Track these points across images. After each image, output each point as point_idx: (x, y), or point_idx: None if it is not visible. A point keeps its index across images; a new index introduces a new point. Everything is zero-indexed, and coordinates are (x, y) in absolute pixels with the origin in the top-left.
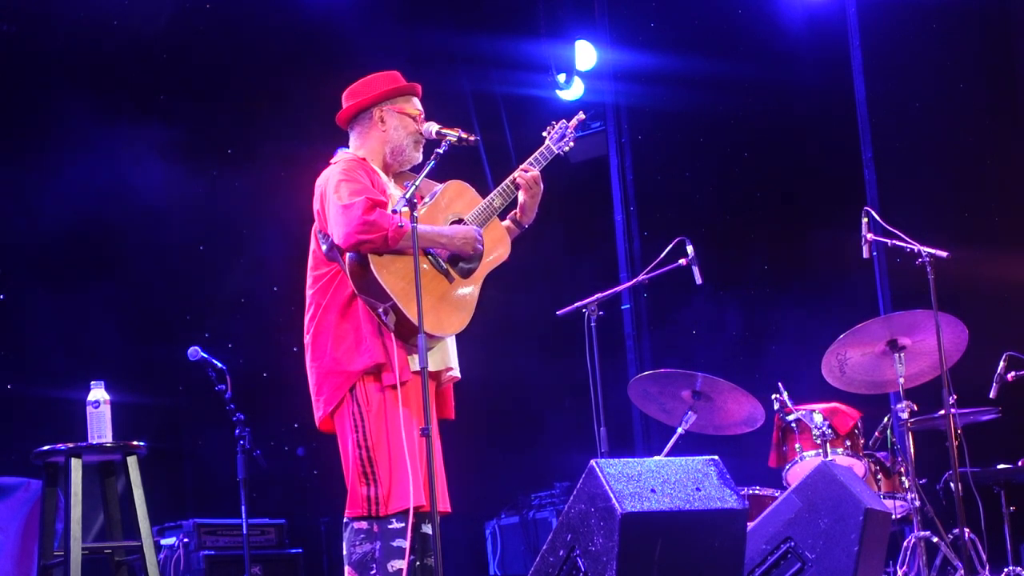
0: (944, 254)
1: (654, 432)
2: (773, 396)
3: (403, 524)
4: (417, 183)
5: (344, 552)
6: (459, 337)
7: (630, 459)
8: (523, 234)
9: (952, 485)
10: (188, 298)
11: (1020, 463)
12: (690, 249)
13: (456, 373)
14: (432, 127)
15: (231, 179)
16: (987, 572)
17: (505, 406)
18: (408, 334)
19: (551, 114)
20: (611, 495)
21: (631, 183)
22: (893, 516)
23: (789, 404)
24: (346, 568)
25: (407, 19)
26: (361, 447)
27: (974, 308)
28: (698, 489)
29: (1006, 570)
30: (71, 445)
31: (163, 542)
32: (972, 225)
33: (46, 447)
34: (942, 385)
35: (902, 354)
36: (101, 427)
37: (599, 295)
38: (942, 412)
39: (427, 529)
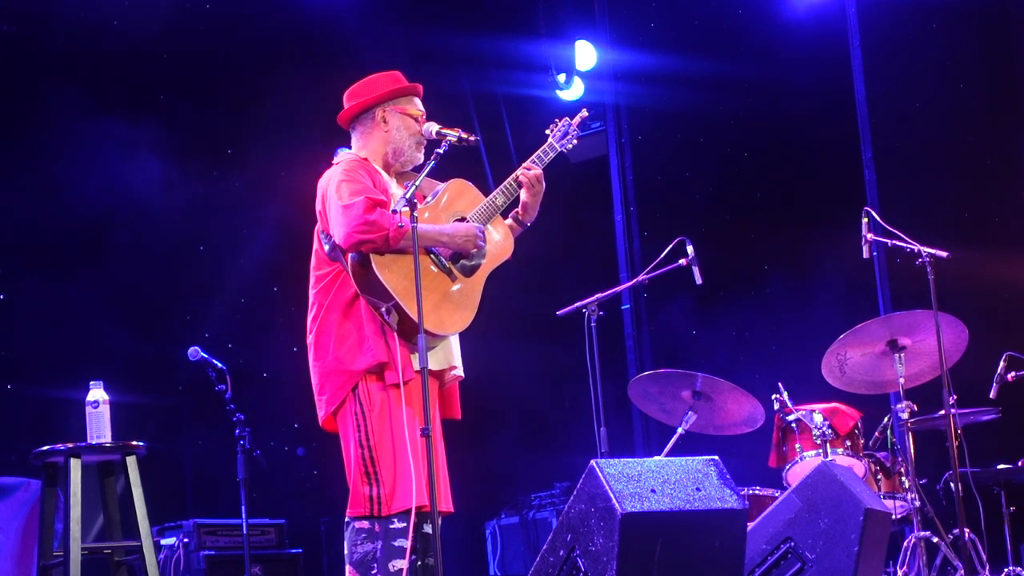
0: (944, 254)
1: (654, 432)
2: (773, 396)
3: (404, 524)
4: (417, 183)
5: (345, 552)
6: (460, 336)
7: (630, 459)
8: (524, 234)
9: (952, 485)
10: (188, 298)
11: (1020, 463)
12: (690, 249)
13: (459, 372)
14: (432, 127)
15: (231, 179)
16: (987, 572)
17: (505, 406)
18: (411, 333)
19: (551, 114)
20: (611, 495)
21: (631, 183)
22: (893, 516)
23: (789, 404)
24: (347, 568)
25: (407, 19)
26: (363, 447)
27: (974, 308)
28: (698, 489)
29: (1006, 570)
30: (70, 445)
31: (163, 542)
32: (972, 225)
33: (45, 447)
34: (942, 385)
35: (902, 354)
36: (100, 427)
37: (599, 295)
38: (942, 412)
39: (428, 529)
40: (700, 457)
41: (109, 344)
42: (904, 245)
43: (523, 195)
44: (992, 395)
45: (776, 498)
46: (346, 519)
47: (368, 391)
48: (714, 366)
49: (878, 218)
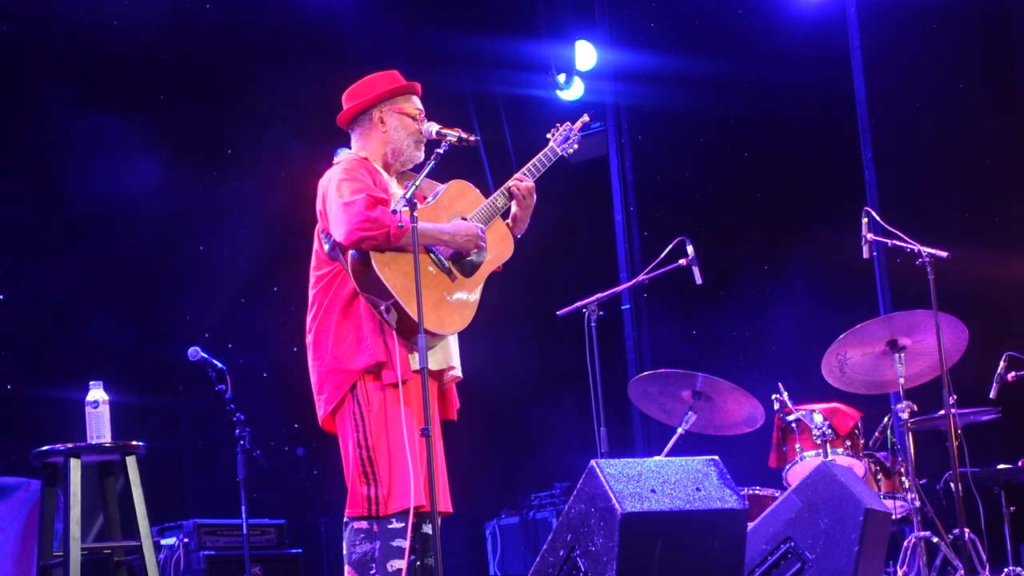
0: (944, 254)
1: (654, 432)
2: (773, 396)
3: (403, 524)
4: (417, 183)
5: (344, 552)
6: (460, 336)
7: (630, 459)
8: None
9: (952, 485)
10: (188, 298)
11: (1020, 463)
12: (690, 249)
13: (458, 372)
14: (432, 127)
15: (231, 179)
16: (987, 572)
17: (505, 406)
18: (410, 332)
19: (551, 114)
20: (611, 495)
21: (631, 183)
22: (893, 516)
23: (789, 404)
24: (346, 568)
25: (407, 19)
26: (361, 446)
27: (974, 308)
28: (698, 489)
29: (1006, 570)
30: (70, 445)
31: (163, 542)
32: (972, 225)
33: (45, 447)
34: (942, 385)
35: (902, 354)
36: (100, 427)
37: (599, 295)
38: (942, 412)
39: (427, 529)
40: (700, 457)
41: (109, 344)
42: (904, 245)
43: (513, 208)
44: (992, 395)
45: (776, 498)
46: (345, 519)
47: (366, 391)
48: (714, 366)
49: (878, 218)
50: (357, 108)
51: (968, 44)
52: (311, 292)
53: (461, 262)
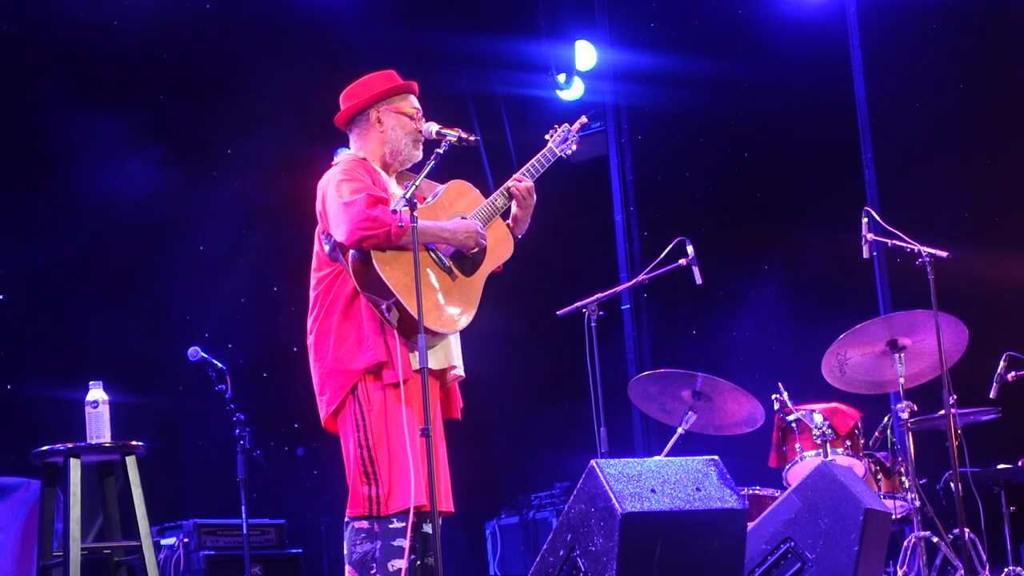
0: (944, 254)
1: (654, 432)
2: (773, 396)
3: (404, 524)
4: (417, 183)
5: (344, 551)
6: (460, 336)
7: (630, 459)
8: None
9: (952, 485)
10: (188, 298)
11: (1020, 463)
12: (690, 249)
13: (460, 372)
14: (432, 127)
15: (231, 179)
16: (987, 572)
17: (505, 406)
18: (411, 331)
19: (551, 114)
20: (611, 495)
21: (631, 183)
22: (893, 516)
23: (789, 404)
24: (346, 567)
25: (407, 19)
26: (362, 446)
27: (974, 308)
28: (698, 489)
29: (1006, 570)
30: (70, 445)
31: (163, 542)
32: (972, 225)
33: (45, 447)
34: (942, 385)
35: (902, 354)
36: (100, 427)
37: (599, 295)
38: (942, 412)
39: (427, 529)
40: (700, 457)
41: (109, 344)
42: (904, 245)
43: (513, 208)
44: (992, 395)
45: (776, 498)
46: (346, 519)
47: (367, 391)
48: (714, 366)
49: (878, 218)
50: (354, 108)
51: (968, 44)
52: (312, 294)
53: (462, 261)
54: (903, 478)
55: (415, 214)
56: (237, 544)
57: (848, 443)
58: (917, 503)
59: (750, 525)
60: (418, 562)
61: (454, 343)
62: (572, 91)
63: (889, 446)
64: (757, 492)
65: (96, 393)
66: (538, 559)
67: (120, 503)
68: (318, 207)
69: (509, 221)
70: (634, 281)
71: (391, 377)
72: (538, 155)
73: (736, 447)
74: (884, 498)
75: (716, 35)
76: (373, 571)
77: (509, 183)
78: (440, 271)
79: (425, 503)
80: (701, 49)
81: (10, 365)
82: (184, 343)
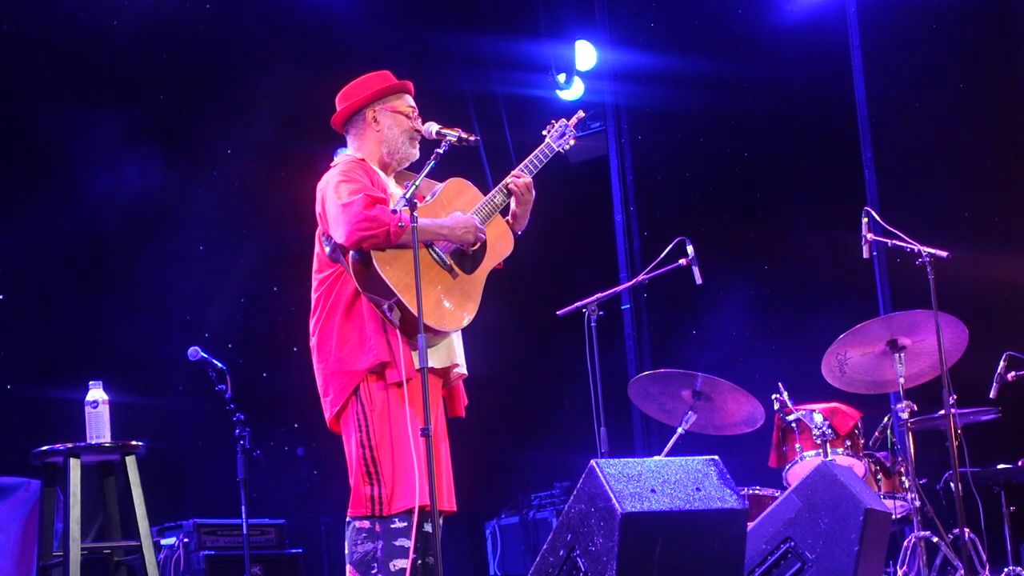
0: (944, 254)
1: (654, 432)
2: (773, 396)
3: (406, 524)
4: (417, 183)
5: (346, 551)
6: (462, 335)
7: (630, 459)
8: (523, 233)
9: (952, 485)
10: (188, 298)
11: (1020, 463)
12: (690, 249)
13: (463, 370)
14: (432, 127)
15: (231, 179)
16: (987, 572)
17: (505, 406)
18: (413, 330)
19: (551, 114)
20: (611, 495)
21: (631, 183)
22: (893, 516)
23: (789, 404)
24: (347, 567)
25: (407, 19)
26: (364, 446)
27: (974, 308)
28: (698, 489)
29: (1006, 570)
30: (70, 445)
31: (163, 542)
32: (972, 225)
33: (45, 447)
34: (942, 385)
35: (902, 354)
36: (99, 427)
37: (599, 295)
38: (942, 412)
39: (428, 528)
40: (700, 457)
41: (109, 344)
42: (904, 245)
43: (512, 204)
44: (992, 395)
45: (776, 498)
46: (347, 519)
47: (370, 391)
48: (714, 366)
49: (878, 218)
50: (350, 108)
51: (968, 44)
52: (313, 295)
53: (462, 259)
54: (903, 478)
55: (415, 214)
56: (237, 544)
57: (848, 443)
58: (917, 503)
59: (750, 525)
60: (419, 562)
61: (456, 341)
62: (572, 91)
63: (889, 446)
64: (757, 492)
65: (96, 393)
66: (538, 559)
67: (120, 503)
68: (317, 209)
69: (508, 218)
70: (634, 281)
71: (394, 377)
72: (536, 151)
73: (736, 447)
74: (884, 498)
75: (716, 35)
76: (374, 571)
77: (508, 180)
78: (441, 269)
79: (428, 503)
80: (701, 49)
81: (10, 365)
82: (184, 343)
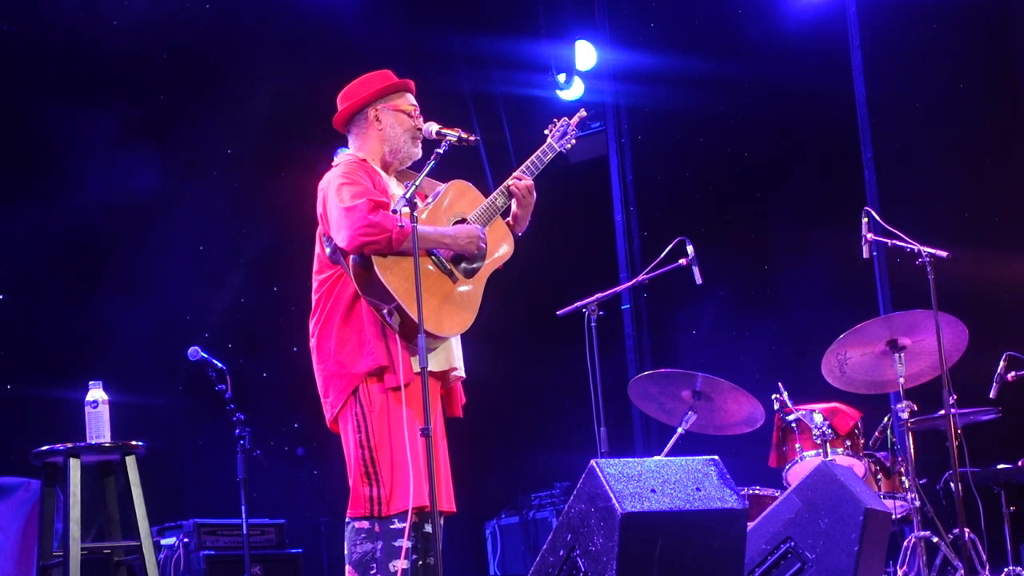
0: (944, 254)
1: (654, 432)
2: (773, 396)
3: (405, 524)
4: (417, 183)
5: (345, 552)
6: (461, 337)
7: (630, 459)
8: (523, 233)
9: (952, 485)
10: (188, 298)
11: (1020, 463)
12: (690, 249)
13: (461, 373)
14: (432, 127)
15: (231, 179)
16: (987, 572)
17: (505, 406)
18: (413, 334)
19: (551, 114)
20: (611, 495)
21: (631, 183)
22: (893, 516)
23: (789, 404)
24: (346, 568)
25: (407, 19)
26: (363, 447)
27: (974, 308)
28: (698, 489)
29: (1006, 570)
30: (70, 445)
31: (163, 542)
32: (972, 225)
33: (45, 447)
34: (942, 385)
35: (902, 354)
36: (99, 427)
37: (599, 295)
38: (942, 412)
39: (428, 529)
40: (700, 457)
41: (109, 344)
42: (904, 245)
43: (513, 206)
44: (992, 395)
45: (776, 498)
46: (346, 519)
47: (368, 393)
48: (714, 366)
49: (878, 218)
50: (352, 108)
51: (968, 44)
52: (314, 296)
53: (462, 264)
54: (903, 478)
55: (415, 214)
56: (237, 544)
57: (848, 443)
58: (917, 503)
59: (750, 525)
60: (419, 562)
61: (455, 345)
62: (572, 91)
63: (889, 446)
64: (757, 492)
65: (96, 393)
66: (538, 559)
67: (120, 503)
68: (318, 209)
69: (509, 219)
70: (634, 281)
71: (392, 381)
72: (537, 151)
73: (736, 447)
74: (884, 498)
75: (716, 35)
76: (373, 571)
77: (509, 181)
78: (441, 274)
79: (426, 503)
80: (701, 49)
81: (10, 365)
82: (184, 343)
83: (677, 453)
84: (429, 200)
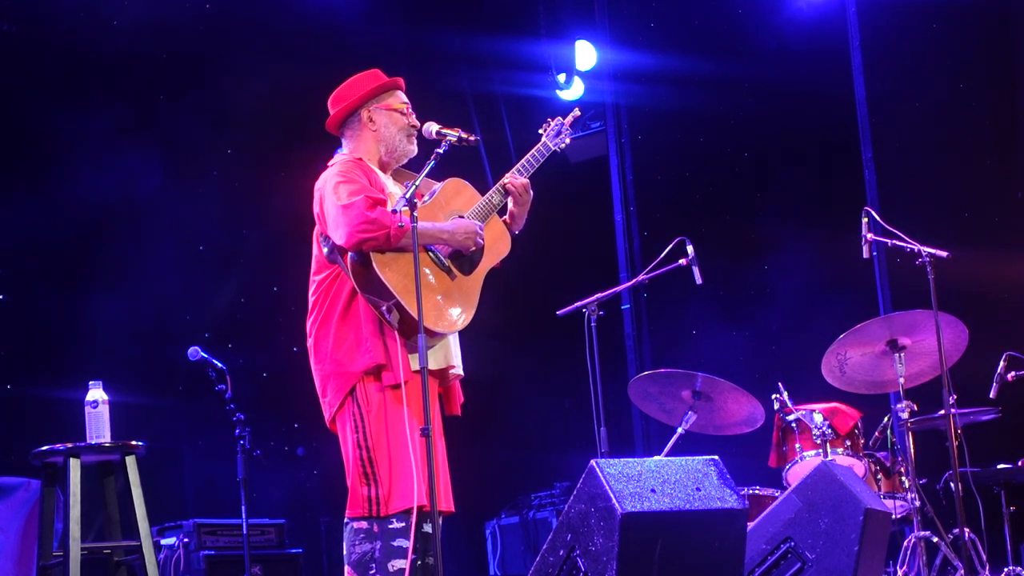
0: (944, 254)
1: (654, 432)
2: (773, 396)
3: (404, 524)
4: (417, 183)
5: (344, 552)
6: (460, 335)
7: (630, 459)
8: (523, 234)
9: (952, 485)
10: (188, 298)
11: (1020, 463)
12: (690, 249)
13: (459, 371)
14: (432, 127)
15: (231, 179)
16: (987, 572)
17: (505, 406)
18: (412, 332)
19: (551, 114)
20: (611, 495)
21: (631, 183)
22: (893, 516)
23: (789, 404)
24: (346, 568)
25: (407, 19)
26: (361, 447)
27: (974, 308)
28: (698, 489)
29: (1006, 570)
30: (70, 445)
31: (163, 542)
32: (972, 225)
33: (45, 447)
34: (942, 385)
35: (902, 354)
36: (99, 427)
37: (599, 295)
38: (942, 412)
39: (427, 528)
40: (700, 457)
41: (109, 344)
42: (904, 245)
43: (510, 204)
44: (992, 395)
45: (776, 498)
46: (345, 519)
47: (366, 392)
48: (714, 366)
49: (878, 218)
50: (345, 110)
51: (968, 44)
52: (311, 297)
53: (460, 260)
54: (903, 478)
55: (415, 214)
56: (237, 544)
57: (848, 443)
58: (917, 503)
59: (750, 525)
60: (418, 562)
61: (453, 343)
62: (572, 91)
63: (889, 446)
64: (757, 492)
65: (96, 393)
66: (538, 559)
67: (120, 503)
68: (315, 209)
69: (506, 217)
70: (634, 281)
71: (390, 379)
72: (532, 150)
73: (736, 447)
74: (884, 498)
75: (716, 35)
76: (372, 571)
77: (505, 179)
78: (439, 271)
79: (426, 503)
80: (701, 49)
81: (10, 365)
82: (184, 343)
83: (677, 453)
84: (426, 198)
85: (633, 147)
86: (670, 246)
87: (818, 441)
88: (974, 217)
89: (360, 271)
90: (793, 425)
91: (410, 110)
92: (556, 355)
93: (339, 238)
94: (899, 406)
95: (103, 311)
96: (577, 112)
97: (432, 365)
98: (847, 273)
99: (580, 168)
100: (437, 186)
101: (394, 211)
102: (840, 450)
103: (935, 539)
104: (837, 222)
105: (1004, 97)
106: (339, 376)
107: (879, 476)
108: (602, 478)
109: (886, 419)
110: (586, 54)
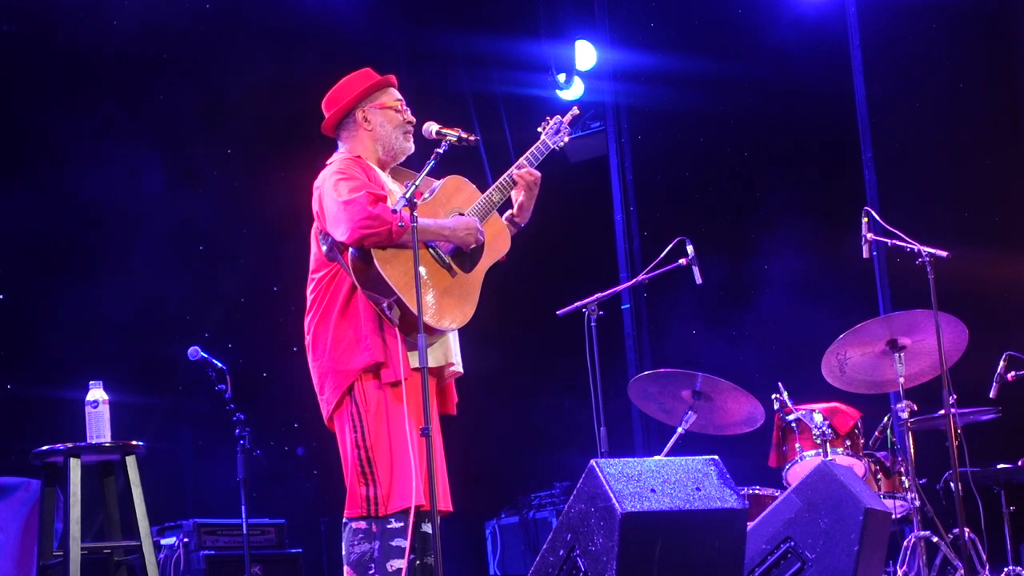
0: (944, 254)
1: (654, 432)
2: (773, 396)
3: (402, 524)
4: (417, 182)
5: (343, 552)
6: (460, 335)
7: (630, 459)
8: (524, 233)
9: (952, 485)
10: (188, 298)
11: (1020, 463)
12: (690, 249)
13: (458, 368)
14: (432, 127)
15: (231, 178)
16: (987, 572)
17: (505, 406)
18: (412, 328)
19: (551, 114)
20: (611, 495)
21: (631, 183)
22: (893, 516)
23: (789, 404)
24: (345, 568)
25: (407, 19)
26: (360, 447)
27: (974, 308)
28: (698, 489)
29: (1006, 570)
30: (70, 445)
31: (163, 542)
32: (972, 225)
33: (45, 447)
34: (942, 385)
35: (902, 354)
36: (100, 427)
37: (599, 295)
38: (942, 412)
39: (427, 528)
40: (700, 457)
41: (109, 344)
42: (904, 245)
43: (519, 196)
44: (992, 395)
45: (776, 498)
46: (344, 520)
47: (364, 391)
48: (714, 366)
49: (878, 218)
50: (339, 112)
51: (968, 44)
52: (309, 295)
53: (460, 257)
54: (903, 478)
55: (415, 213)
56: (237, 544)
57: (848, 443)
58: (917, 503)
59: (750, 525)
60: (417, 562)
61: (453, 340)
62: (572, 91)
63: (889, 446)
64: (757, 492)
65: (96, 393)
66: (538, 559)
67: (120, 503)
68: (314, 207)
69: (511, 212)
70: (634, 281)
71: (389, 376)
72: (532, 147)
73: (736, 447)
74: (884, 498)
75: (716, 35)
76: (371, 571)
77: (512, 171)
78: (439, 268)
79: (424, 503)
80: (701, 49)
81: (10, 365)
82: (184, 343)
83: (677, 453)
84: (426, 196)
85: (633, 147)
86: (670, 246)
87: (818, 441)
88: (974, 217)
89: (361, 267)
90: (793, 425)
91: (405, 106)
92: (556, 355)
93: (340, 234)
94: (899, 406)
95: (103, 311)
96: (576, 110)
97: (431, 362)
98: (847, 273)
99: (580, 168)
100: (437, 184)
101: (394, 210)
102: (840, 450)
103: (935, 539)
104: (837, 222)
105: (1004, 97)
106: (337, 373)
107: (879, 476)
108: (602, 478)
109: (886, 419)
110: (586, 54)
